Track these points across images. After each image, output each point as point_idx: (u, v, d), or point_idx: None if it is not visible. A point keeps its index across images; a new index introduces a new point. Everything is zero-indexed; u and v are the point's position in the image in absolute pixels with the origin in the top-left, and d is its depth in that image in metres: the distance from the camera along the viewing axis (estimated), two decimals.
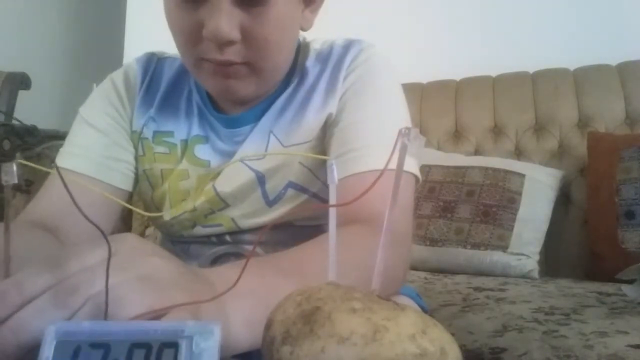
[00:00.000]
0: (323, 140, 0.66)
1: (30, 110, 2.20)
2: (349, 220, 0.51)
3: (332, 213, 0.29)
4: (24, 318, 0.28)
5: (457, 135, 1.80)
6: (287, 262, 0.43)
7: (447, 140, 1.79)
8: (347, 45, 0.69)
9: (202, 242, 0.71)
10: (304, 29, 0.67)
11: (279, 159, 0.66)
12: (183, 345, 0.25)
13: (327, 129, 0.66)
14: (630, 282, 0.94)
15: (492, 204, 1.50)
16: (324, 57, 0.69)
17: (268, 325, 0.27)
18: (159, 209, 0.72)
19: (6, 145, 1.62)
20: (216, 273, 0.37)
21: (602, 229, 1.42)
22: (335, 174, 0.30)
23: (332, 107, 0.66)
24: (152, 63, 0.74)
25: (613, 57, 1.68)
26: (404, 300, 0.61)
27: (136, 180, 0.73)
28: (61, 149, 0.70)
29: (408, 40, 1.93)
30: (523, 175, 1.53)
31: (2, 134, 1.57)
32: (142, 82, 0.72)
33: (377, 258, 0.28)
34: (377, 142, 0.60)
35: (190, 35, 0.58)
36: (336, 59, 0.68)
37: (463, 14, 2.00)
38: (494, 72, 1.81)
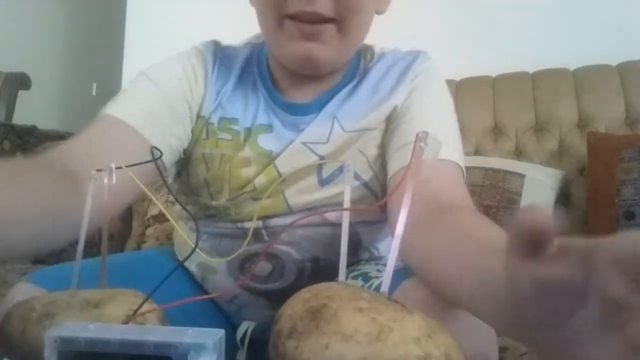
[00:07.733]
0: (385, 131, 0.69)
1: (30, 110, 2.21)
2: (429, 204, 0.52)
3: (346, 216, 0.29)
4: None
5: None
6: None
7: None
8: (416, 52, 0.75)
9: (232, 237, 0.71)
10: (379, 12, 0.70)
11: (340, 144, 0.69)
12: None
13: (391, 121, 0.69)
14: None
15: (492, 205, 1.50)
16: (390, 58, 0.74)
17: (277, 320, 0.28)
18: (212, 190, 0.71)
19: (6, 145, 1.61)
20: None
21: (602, 229, 1.42)
22: (351, 175, 0.30)
23: (399, 100, 0.69)
24: (219, 51, 0.75)
25: (613, 57, 1.68)
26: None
27: (177, 160, 0.71)
28: (115, 97, 0.67)
29: (407, 41, 1.92)
30: (523, 176, 1.53)
31: (2, 134, 1.57)
32: (213, 68, 0.72)
33: (388, 260, 0.28)
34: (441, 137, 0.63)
35: None
36: (406, 60, 0.73)
37: (463, 14, 1.99)
38: (494, 72, 1.81)
